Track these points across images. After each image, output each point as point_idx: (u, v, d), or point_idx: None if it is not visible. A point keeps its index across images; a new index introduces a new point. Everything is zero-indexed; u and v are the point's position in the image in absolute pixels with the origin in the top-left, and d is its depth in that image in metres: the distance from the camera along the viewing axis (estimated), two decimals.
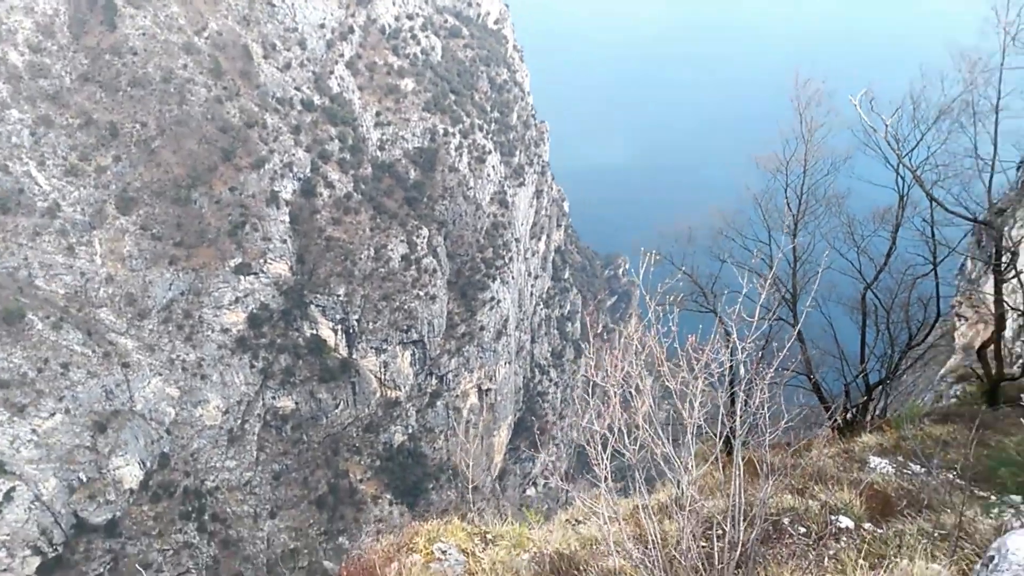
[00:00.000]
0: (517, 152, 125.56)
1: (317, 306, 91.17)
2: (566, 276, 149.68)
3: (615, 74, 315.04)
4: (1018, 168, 20.11)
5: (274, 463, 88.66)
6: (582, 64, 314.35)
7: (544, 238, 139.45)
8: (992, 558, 3.22)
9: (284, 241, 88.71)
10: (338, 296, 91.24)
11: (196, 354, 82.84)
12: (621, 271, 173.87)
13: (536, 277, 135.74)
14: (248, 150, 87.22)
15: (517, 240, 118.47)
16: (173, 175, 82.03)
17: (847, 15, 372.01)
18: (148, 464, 78.60)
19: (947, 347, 25.52)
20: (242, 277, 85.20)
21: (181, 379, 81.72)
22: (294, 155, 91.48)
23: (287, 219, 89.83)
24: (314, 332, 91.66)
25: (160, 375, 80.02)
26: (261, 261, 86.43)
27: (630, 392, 7.00)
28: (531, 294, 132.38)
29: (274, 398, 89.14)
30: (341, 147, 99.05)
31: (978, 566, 3.34)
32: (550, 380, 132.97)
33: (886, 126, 13.84)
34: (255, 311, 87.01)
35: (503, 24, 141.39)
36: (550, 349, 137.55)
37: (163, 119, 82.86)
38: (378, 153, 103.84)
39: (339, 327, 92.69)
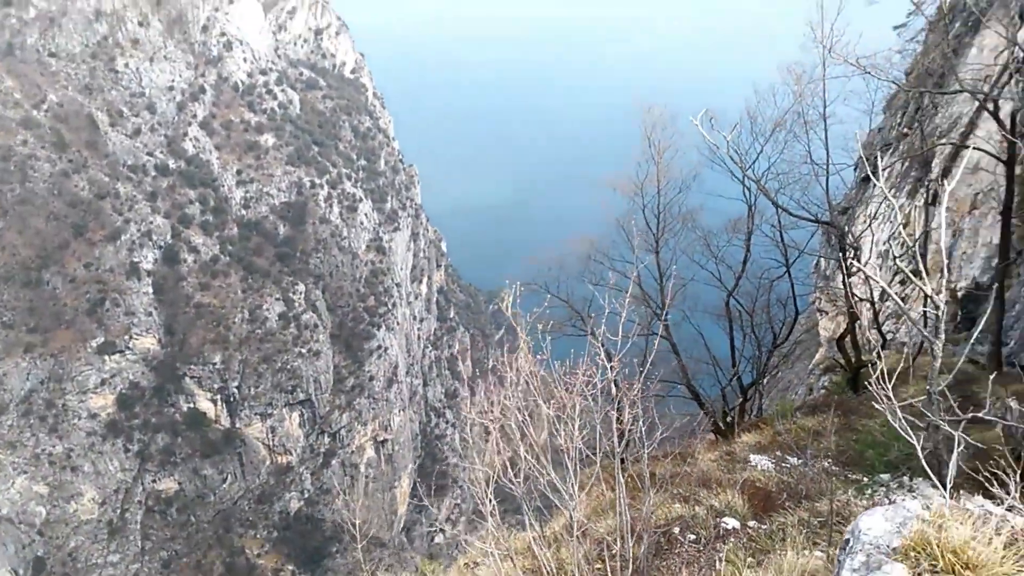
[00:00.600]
0: (389, 198, 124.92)
1: (192, 377, 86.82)
2: (451, 315, 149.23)
3: (476, 114, 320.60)
4: (855, 169, 21.63)
5: (162, 550, 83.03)
6: (442, 107, 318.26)
7: (425, 280, 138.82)
8: (848, 541, 3.33)
9: (149, 314, 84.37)
10: (214, 364, 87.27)
11: (63, 445, 77.07)
12: (505, 304, 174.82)
13: (421, 320, 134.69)
14: (101, 223, 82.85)
15: (398, 285, 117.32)
16: (20, 257, 76.91)
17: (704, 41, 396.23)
18: (21, 571, 72.55)
19: (814, 341, 27.04)
20: (107, 357, 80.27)
21: (49, 474, 75.78)
22: (152, 223, 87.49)
23: (151, 290, 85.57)
24: (191, 405, 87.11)
25: (25, 473, 74.10)
26: (126, 338, 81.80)
27: (510, 425, 6.96)
28: (418, 337, 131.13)
29: (154, 481, 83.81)
30: (203, 209, 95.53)
31: (837, 550, 3.45)
32: (447, 422, 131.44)
33: (727, 142, 14.61)
34: (124, 391, 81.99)
35: (360, 73, 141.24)
36: (443, 390, 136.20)
37: (4, 199, 77.84)
38: (243, 212, 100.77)
39: (218, 396, 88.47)
